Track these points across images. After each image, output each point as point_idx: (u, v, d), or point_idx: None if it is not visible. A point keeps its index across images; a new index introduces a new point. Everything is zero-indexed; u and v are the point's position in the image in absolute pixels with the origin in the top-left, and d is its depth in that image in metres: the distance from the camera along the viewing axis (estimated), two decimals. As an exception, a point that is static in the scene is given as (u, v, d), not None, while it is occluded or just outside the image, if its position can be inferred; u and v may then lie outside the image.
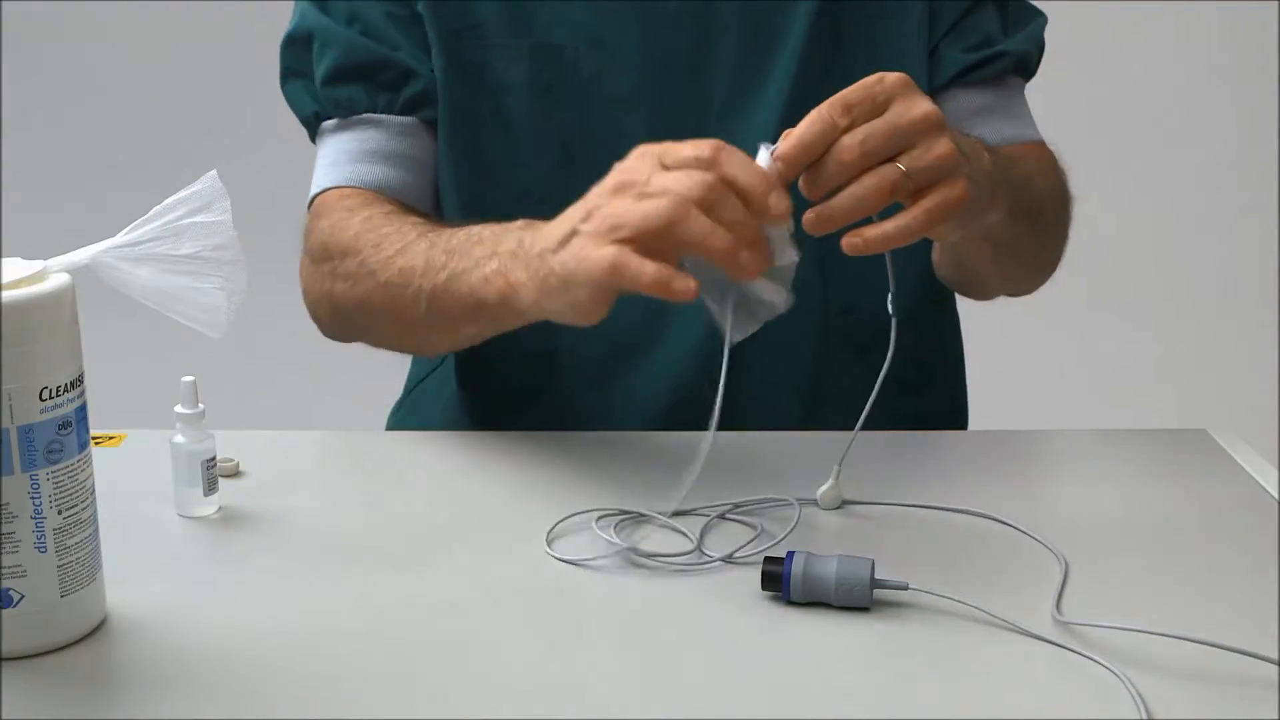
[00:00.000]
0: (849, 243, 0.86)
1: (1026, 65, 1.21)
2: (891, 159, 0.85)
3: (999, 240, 1.03)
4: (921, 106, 0.86)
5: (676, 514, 0.91)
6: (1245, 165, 2.55)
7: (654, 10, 1.13)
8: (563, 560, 0.86)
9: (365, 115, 1.14)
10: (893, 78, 0.86)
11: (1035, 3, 1.22)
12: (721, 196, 0.81)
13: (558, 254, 0.86)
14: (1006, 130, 1.19)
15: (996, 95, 1.20)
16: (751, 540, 0.87)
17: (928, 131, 0.86)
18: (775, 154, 0.84)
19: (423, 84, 1.13)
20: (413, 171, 1.15)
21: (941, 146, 0.86)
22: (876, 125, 0.85)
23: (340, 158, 1.15)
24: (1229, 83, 2.53)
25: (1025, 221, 1.05)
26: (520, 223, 0.93)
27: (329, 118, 1.16)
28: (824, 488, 0.93)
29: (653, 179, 0.83)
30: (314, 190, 1.15)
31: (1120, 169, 2.54)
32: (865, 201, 0.84)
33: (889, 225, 0.86)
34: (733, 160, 0.83)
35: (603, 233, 0.84)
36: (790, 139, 0.85)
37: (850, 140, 0.84)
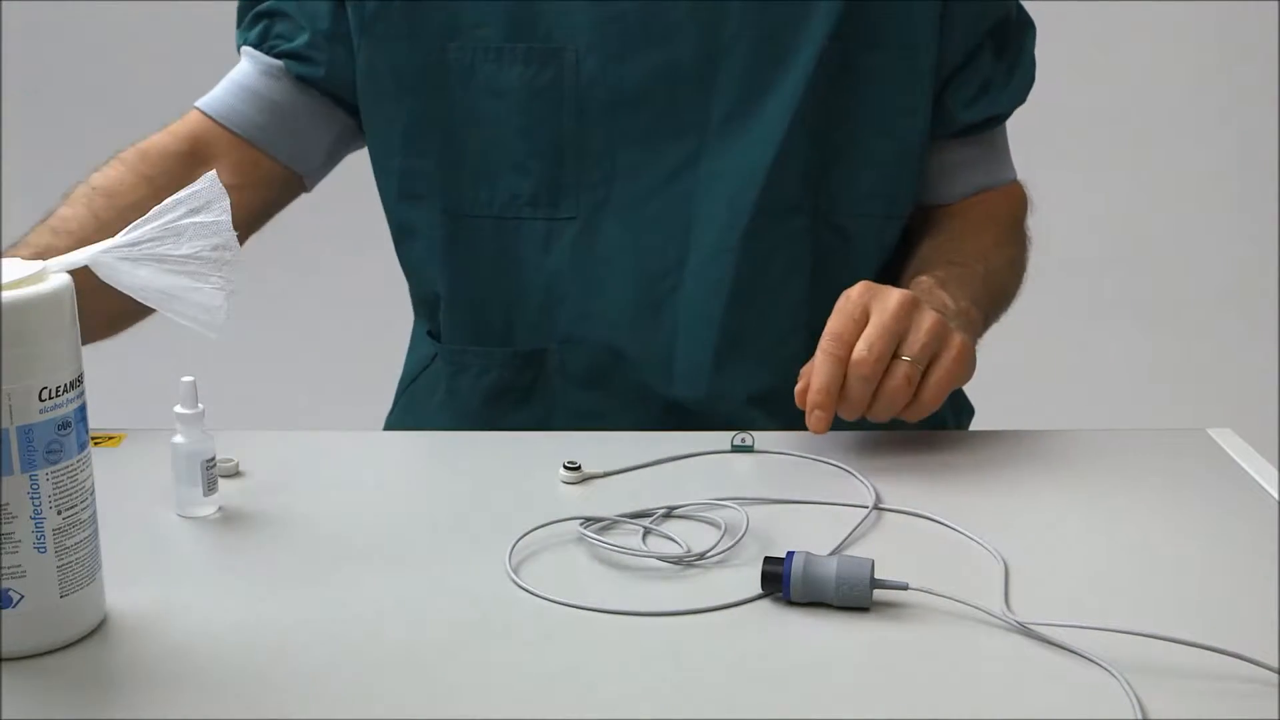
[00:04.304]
0: (910, 419, 0.99)
1: (1019, 104, 1.24)
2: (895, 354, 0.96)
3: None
4: (893, 297, 0.97)
5: (670, 514, 0.92)
6: (1245, 165, 2.55)
7: (662, 16, 1.12)
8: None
9: (251, 50, 1.22)
10: (856, 288, 0.98)
11: (1034, 3, 1.22)
12: None
13: None
14: (985, 178, 1.25)
15: (984, 144, 1.25)
16: (738, 539, 0.88)
17: (911, 313, 0.97)
18: (810, 403, 0.96)
19: (305, 41, 1.18)
20: (264, 109, 1.20)
21: (927, 321, 0.98)
22: (873, 332, 0.96)
23: (224, 83, 1.23)
24: (1229, 83, 2.53)
25: (999, 315, 1.20)
26: None
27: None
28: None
29: None
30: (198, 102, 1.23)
31: (1120, 169, 2.54)
32: (895, 403, 0.97)
33: (925, 399, 0.98)
34: None
35: None
36: (815, 390, 0.95)
37: (863, 356, 0.95)
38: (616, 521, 0.90)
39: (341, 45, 1.18)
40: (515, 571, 0.84)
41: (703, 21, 1.12)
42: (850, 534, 0.88)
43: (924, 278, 1.10)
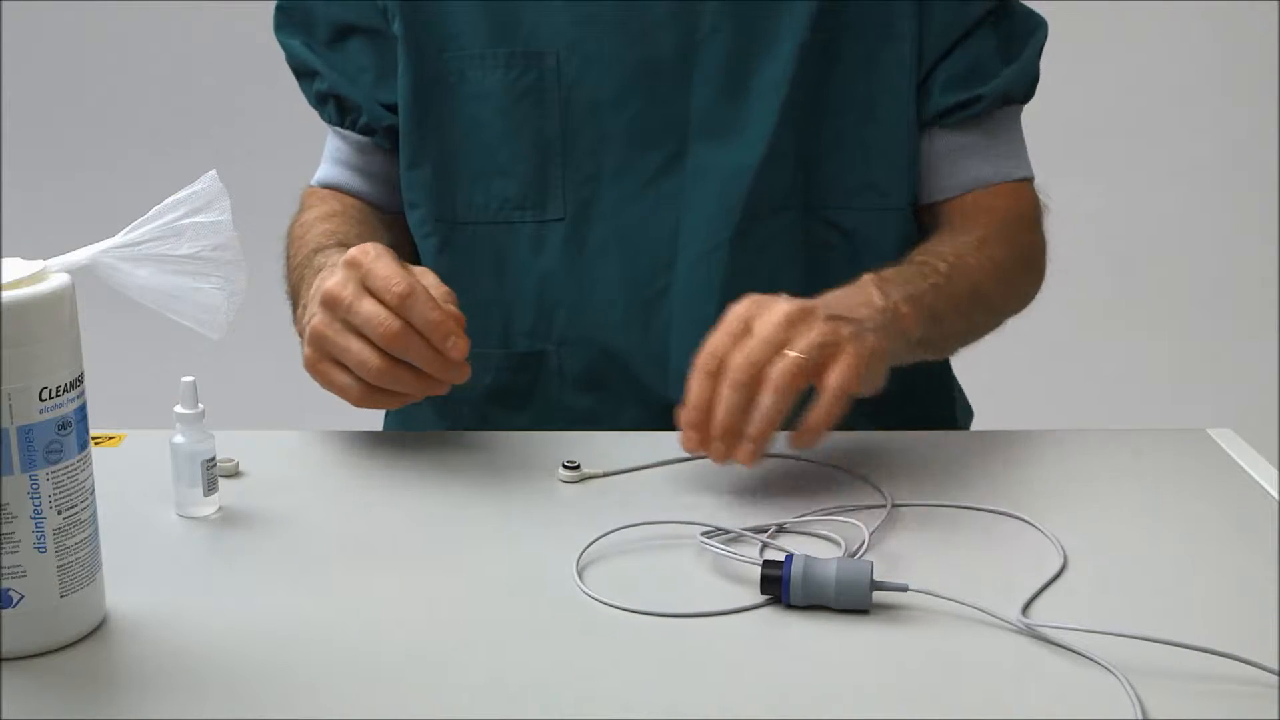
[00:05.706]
0: (799, 448, 0.91)
1: (1014, 96, 1.19)
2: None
3: (940, 347, 1.09)
4: (779, 308, 0.91)
5: (781, 530, 0.90)
6: (1245, 165, 2.55)
7: (639, 15, 1.13)
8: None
9: (336, 129, 1.24)
10: (742, 302, 0.93)
11: (1037, 3, 1.22)
12: (407, 344, 0.90)
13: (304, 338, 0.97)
14: (982, 170, 1.19)
15: (979, 133, 1.19)
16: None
17: (796, 323, 0.91)
18: (682, 421, 0.90)
19: (366, 118, 1.21)
20: (369, 180, 1.25)
21: (817, 329, 0.91)
22: (751, 342, 0.90)
23: (327, 157, 1.27)
24: (1229, 83, 2.53)
25: (974, 316, 1.10)
26: (319, 273, 1.01)
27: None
28: None
29: (353, 308, 0.90)
30: (312, 180, 1.28)
31: (1120, 169, 2.54)
32: (779, 397, 0.88)
33: (815, 414, 0.90)
34: (416, 307, 0.89)
35: (310, 342, 0.95)
36: (686, 408, 0.90)
37: (736, 363, 0.89)
38: (741, 535, 0.88)
39: (390, 85, 1.19)
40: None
41: (680, 19, 1.12)
42: (869, 536, 0.88)
43: (866, 275, 1.03)
